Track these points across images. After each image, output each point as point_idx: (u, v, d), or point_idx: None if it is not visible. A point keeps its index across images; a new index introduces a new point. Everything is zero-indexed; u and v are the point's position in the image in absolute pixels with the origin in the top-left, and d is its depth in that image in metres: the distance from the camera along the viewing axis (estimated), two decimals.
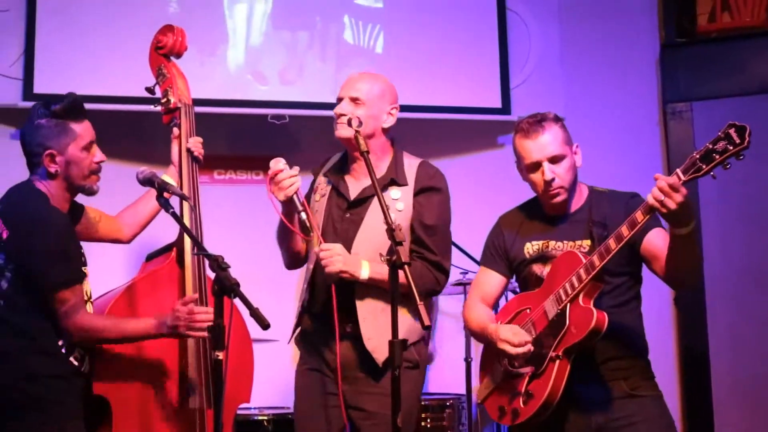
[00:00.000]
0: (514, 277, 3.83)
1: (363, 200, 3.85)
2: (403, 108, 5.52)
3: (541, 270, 3.65)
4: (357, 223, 3.83)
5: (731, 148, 3.12)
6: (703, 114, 5.72)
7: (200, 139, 4.12)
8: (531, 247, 3.68)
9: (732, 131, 3.14)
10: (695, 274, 3.62)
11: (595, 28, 6.08)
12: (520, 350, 3.46)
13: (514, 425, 3.56)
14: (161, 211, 4.05)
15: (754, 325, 5.64)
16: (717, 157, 3.13)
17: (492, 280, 3.81)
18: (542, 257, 3.66)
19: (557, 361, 3.43)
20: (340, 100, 3.89)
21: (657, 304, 5.71)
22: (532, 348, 3.47)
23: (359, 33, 5.76)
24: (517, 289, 4.05)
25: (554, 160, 3.56)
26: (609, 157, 5.55)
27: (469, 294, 3.92)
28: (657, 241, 3.45)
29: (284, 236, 3.90)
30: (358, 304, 3.76)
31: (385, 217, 3.31)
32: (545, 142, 3.57)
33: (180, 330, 3.58)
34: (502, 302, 4.09)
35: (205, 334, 3.51)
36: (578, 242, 3.61)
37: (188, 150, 4.08)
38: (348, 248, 3.77)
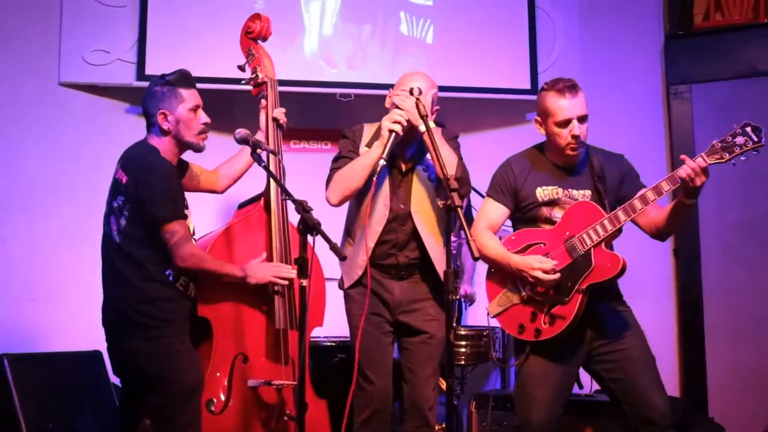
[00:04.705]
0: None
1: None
2: (449, 89, 5.64)
3: (550, 212, 3.68)
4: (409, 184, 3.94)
5: (751, 144, 3.30)
6: (700, 94, 5.68)
7: (283, 110, 4.15)
8: (542, 192, 3.69)
9: (749, 129, 3.32)
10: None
11: (610, 23, 6.03)
12: (552, 277, 3.50)
13: (537, 340, 3.61)
14: (250, 168, 4.11)
15: (743, 272, 5.59)
16: (737, 150, 3.30)
17: (499, 211, 3.78)
18: (552, 202, 3.68)
19: (581, 294, 3.46)
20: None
21: (658, 254, 5.70)
22: (560, 276, 3.51)
23: (413, 26, 5.74)
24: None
25: (582, 119, 3.62)
26: (620, 130, 5.51)
27: (476, 220, 3.86)
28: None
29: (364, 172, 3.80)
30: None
31: (443, 170, 3.33)
32: (578, 103, 3.63)
33: (272, 281, 3.77)
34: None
35: (286, 283, 3.78)
36: (581, 192, 3.67)
37: (274, 118, 4.10)
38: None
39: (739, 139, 3.30)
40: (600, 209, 3.55)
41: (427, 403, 3.90)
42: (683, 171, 3.34)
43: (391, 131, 3.70)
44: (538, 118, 3.74)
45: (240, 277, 3.70)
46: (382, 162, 3.63)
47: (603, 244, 3.51)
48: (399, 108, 3.76)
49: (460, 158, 3.91)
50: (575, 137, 3.59)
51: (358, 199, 3.93)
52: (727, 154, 3.31)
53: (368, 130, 4.02)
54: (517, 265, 3.59)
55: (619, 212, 3.49)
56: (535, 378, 3.64)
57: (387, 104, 3.98)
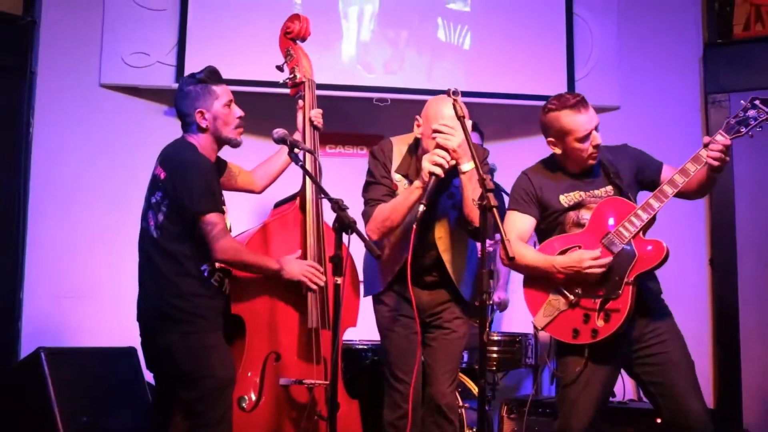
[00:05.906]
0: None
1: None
2: (485, 95, 5.58)
3: (578, 215, 3.66)
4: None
5: (764, 115, 3.44)
6: (739, 103, 5.53)
7: (321, 111, 4.15)
8: (565, 198, 3.68)
9: (758, 102, 3.47)
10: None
11: (648, 31, 5.98)
12: (605, 261, 3.48)
13: (594, 342, 3.54)
14: (287, 168, 4.12)
15: None
16: (753, 122, 3.44)
17: (526, 221, 3.72)
18: (578, 204, 3.66)
19: (630, 285, 3.49)
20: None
21: (695, 264, 5.65)
22: (611, 260, 3.50)
23: (450, 32, 5.73)
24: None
25: (597, 128, 3.64)
26: (658, 139, 5.41)
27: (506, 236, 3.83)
28: (670, 174, 3.54)
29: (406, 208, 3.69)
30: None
31: (478, 170, 3.29)
32: (593, 114, 3.67)
33: (302, 280, 3.76)
34: None
35: (316, 288, 3.81)
36: (603, 189, 3.68)
37: (310, 119, 4.11)
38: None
39: (751, 112, 3.45)
40: (629, 201, 3.57)
41: (444, 398, 3.83)
42: (706, 153, 3.44)
43: (431, 173, 3.55)
44: (552, 139, 3.69)
45: (275, 270, 3.70)
46: (421, 207, 3.48)
47: (641, 233, 3.52)
48: (442, 147, 3.58)
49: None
50: (596, 146, 3.62)
51: None
52: (744, 128, 3.44)
53: (397, 148, 3.89)
54: (564, 263, 3.55)
55: (651, 200, 3.48)
56: (579, 384, 3.61)
57: (417, 133, 3.83)
